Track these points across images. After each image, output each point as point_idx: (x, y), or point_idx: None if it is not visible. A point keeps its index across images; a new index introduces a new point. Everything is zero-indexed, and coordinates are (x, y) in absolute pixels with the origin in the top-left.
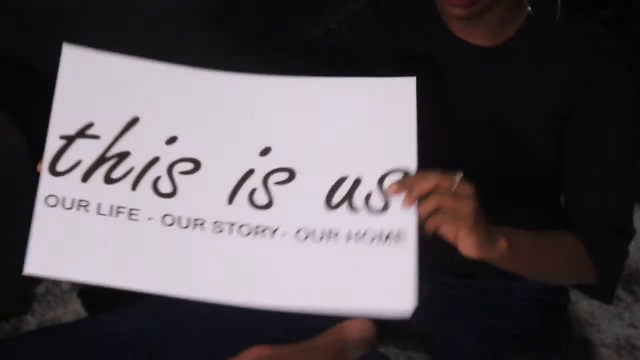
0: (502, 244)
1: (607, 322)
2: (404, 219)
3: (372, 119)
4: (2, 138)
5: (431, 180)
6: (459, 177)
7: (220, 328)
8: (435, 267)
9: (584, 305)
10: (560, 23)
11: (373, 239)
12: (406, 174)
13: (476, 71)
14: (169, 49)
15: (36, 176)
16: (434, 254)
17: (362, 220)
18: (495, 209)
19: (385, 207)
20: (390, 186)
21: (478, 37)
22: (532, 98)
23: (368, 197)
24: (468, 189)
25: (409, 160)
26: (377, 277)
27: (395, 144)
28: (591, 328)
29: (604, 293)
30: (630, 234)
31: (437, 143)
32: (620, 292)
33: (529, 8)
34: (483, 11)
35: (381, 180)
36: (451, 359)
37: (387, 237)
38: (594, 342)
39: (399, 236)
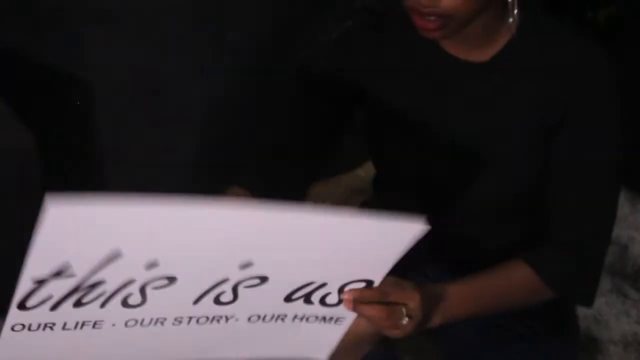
0: (434, 324)
1: (614, 319)
2: (348, 311)
3: (362, 249)
4: (10, 136)
5: (381, 312)
6: (405, 320)
7: None
8: (439, 265)
9: None
10: (548, 36)
11: (316, 319)
12: (368, 283)
13: (463, 87)
14: (170, 44)
15: (43, 175)
16: (437, 253)
17: (313, 310)
18: (480, 222)
19: (338, 303)
20: (346, 296)
21: (465, 51)
22: (518, 113)
23: (325, 296)
24: (410, 326)
25: (376, 277)
26: (305, 340)
27: (372, 265)
28: (598, 325)
29: (576, 300)
30: (598, 251)
31: (422, 158)
32: (628, 290)
33: (511, 20)
34: (457, 29)
35: (343, 286)
36: (457, 356)
37: (330, 319)
38: (600, 338)
39: (338, 319)
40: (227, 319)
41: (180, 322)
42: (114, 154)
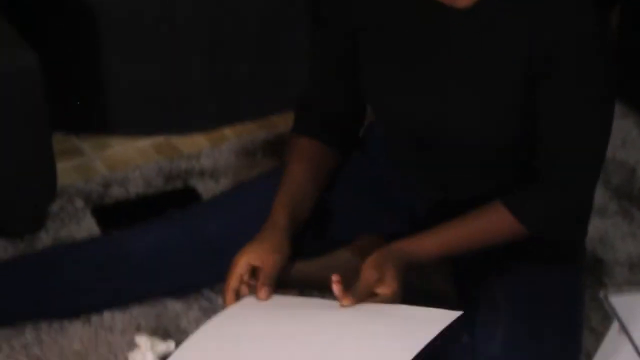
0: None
1: (619, 241)
2: None
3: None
4: (14, 56)
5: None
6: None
7: (233, 249)
8: (449, 193)
9: (596, 223)
10: None
11: None
12: None
13: (448, 32)
14: None
15: (46, 95)
16: (448, 180)
17: None
18: (464, 163)
19: None
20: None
21: None
22: (502, 58)
23: None
24: None
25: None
26: None
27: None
28: (604, 246)
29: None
30: (586, 190)
31: (409, 101)
32: (635, 212)
33: None
34: None
35: None
36: (464, 280)
37: None
38: (606, 260)
39: None
40: None
41: None
42: (118, 74)
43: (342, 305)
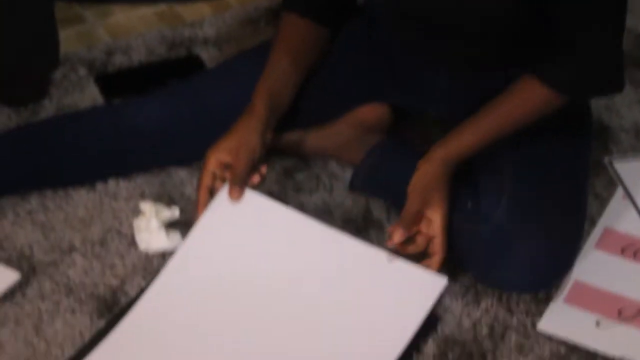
0: None
1: (626, 108)
2: None
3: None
4: None
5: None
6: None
7: (235, 119)
8: (455, 62)
9: None
10: None
11: None
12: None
13: None
14: None
15: None
16: (452, 51)
17: None
18: (477, 44)
19: None
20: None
21: None
22: None
23: None
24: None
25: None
26: None
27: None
28: (610, 113)
29: (599, 90)
30: (611, 41)
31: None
32: None
33: None
34: None
35: None
36: None
37: None
38: (612, 126)
39: None
40: None
41: None
42: None
43: (392, 244)
